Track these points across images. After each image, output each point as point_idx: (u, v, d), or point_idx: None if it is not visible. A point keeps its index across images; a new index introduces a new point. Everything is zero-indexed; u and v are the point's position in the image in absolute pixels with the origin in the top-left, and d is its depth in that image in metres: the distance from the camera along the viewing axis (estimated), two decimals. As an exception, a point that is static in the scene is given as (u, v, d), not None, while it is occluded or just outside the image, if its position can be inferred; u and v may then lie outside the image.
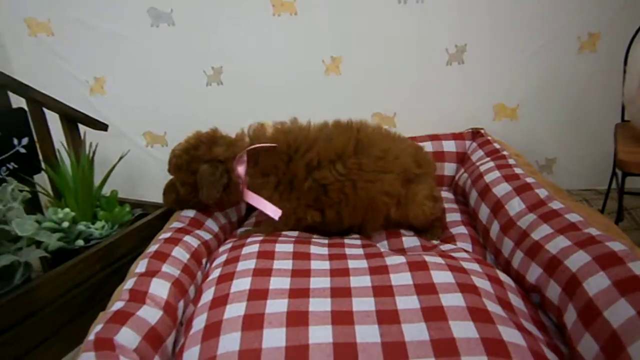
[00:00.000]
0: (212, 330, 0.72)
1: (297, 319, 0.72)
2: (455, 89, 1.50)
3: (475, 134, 1.43)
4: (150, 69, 1.57)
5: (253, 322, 0.71)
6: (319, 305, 0.75)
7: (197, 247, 1.00)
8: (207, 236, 1.07)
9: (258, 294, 0.78)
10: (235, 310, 0.75)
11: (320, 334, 0.68)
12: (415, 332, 0.68)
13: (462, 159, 1.41)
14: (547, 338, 0.73)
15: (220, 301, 0.78)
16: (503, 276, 0.86)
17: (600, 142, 1.44)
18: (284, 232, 1.05)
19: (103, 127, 1.33)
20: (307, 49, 1.50)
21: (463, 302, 0.73)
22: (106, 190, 1.29)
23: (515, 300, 0.79)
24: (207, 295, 0.82)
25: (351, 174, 1.02)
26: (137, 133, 1.66)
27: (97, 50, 1.55)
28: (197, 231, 1.06)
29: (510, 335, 0.67)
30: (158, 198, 1.39)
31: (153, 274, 0.86)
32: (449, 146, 1.41)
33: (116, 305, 0.78)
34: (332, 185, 1.02)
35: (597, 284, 0.68)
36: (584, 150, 1.51)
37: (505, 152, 1.23)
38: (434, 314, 0.71)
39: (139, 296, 0.81)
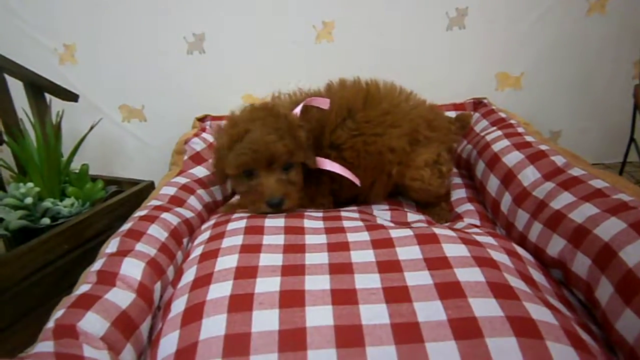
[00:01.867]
0: (194, 313, 0.62)
1: (292, 299, 0.62)
2: (456, 56, 1.40)
3: (478, 104, 1.34)
4: (125, 35, 1.44)
5: (241, 303, 0.62)
6: (317, 283, 0.65)
7: (177, 225, 0.90)
8: (188, 214, 0.96)
9: (246, 272, 0.68)
10: (220, 290, 0.65)
11: (319, 316, 0.59)
12: (429, 311, 0.58)
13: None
14: (576, 316, 0.64)
15: (203, 281, 0.68)
16: (520, 250, 0.77)
17: (610, 112, 1.36)
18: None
19: (73, 97, 1.21)
20: (296, 13, 1.39)
21: (482, 276, 0.63)
22: (78, 166, 1.17)
23: (537, 276, 0.70)
24: (189, 276, 0.72)
25: (360, 128, 0.99)
26: (112, 107, 1.54)
27: (67, 15, 1.41)
28: (178, 209, 0.96)
29: (539, 313, 0.57)
30: (136, 176, 1.29)
31: (125, 253, 0.76)
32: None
33: (81, 288, 0.68)
34: (345, 144, 0.99)
35: (637, 252, 0.59)
36: (592, 122, 1.43)
37: (512, 121, 1.14)
38: (449, 291, 0.61)
39: (108, 278, 0.70)
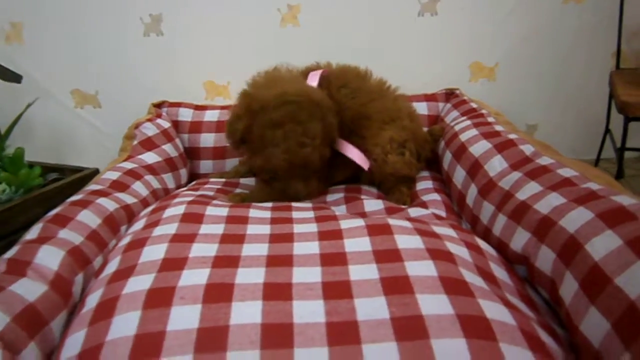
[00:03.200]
0: (105, 310, 0.55)
1: (218, 293, 0.54)
2: (428, 45, 1.34)
3: (450, 95, 1.28)
4: (78, 15, 1.35)
5: (160, 298, 0.54)
6: (249, 276, 0.58)
7: (114, 211, 0.82)
8: (130, 200, 0.88)
9: (173, 264, 0.60)
10: (138, 283, 0.57)
11: (246, 312, 0.52)
12: (371, 308, 0.51)
13: (434, 122, 1.25)
14: (539, 316, 0.57)
15: (123, 273, 0.60)
16: (483, 244, 0.70)
17: (587, 104, 1.31)
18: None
19: (15, 77, 1.12)
20: (259, -6, 1.32)
21: (434, 270, 0.57)
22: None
23: (499, 272, 0.64)
24: (111, 267, 0.64)
25: (355, 93, 1.01)
26: (63, 92, 1.44)
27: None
28: (118, 194, 0.88)
29: (494, 311, 0.51)
30: (90, 166, 1.20)
31: (44, 240, 0.68)
32: (421, 108, 1.25)
33: (-15, 278, 0.60)
34: (345, 105, 0.99)
35: (604, 244, 0.53)
36: (568, 115, 1.38)
37: (483, 111, 1.07)
38: (396, 286, 0.54)
39: (18, 267, 0.62)
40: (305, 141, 0.86)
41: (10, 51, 1.38)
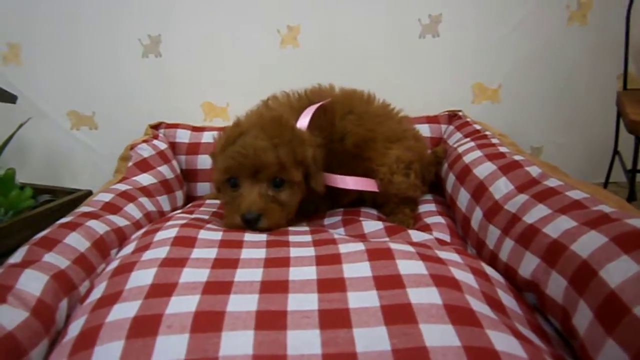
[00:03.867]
0: (86, 339, 0.51)
1: (208, 322, 0.51)
2: (429, 66, 1.32)
3: (452, 116, 1.26)
4: (76, 36, 1.34)
5: (145, 327, 0.50)
6: (242, 303, 0.54)
7: (104, 234, 0.79)
8: (122, 222, 0.85)
9: (161, 290, 0.57)
10: (124, 310, 0.54)
11: (237, 343, 0.48)
12: (371, 339, 0.48)
13: (437, 144, 1.23)
14: (551, 348, 0.53)
15: (108, 300, 0.57)
16: (490, 270, 0.67)
17: (593, 126, 1.28)
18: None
19: (10, 98, 1.10)
20: (260, 16, 1.31)
21: (439, 298, 0.53)
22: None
23: (507, 300, 0.60)
24: (96, 293, 0.61)
25: (362, 119, 0.97)
26: (60, 113, 1.42)
27: (13, 11, 1.31)
28: (110, 216, 0.85)
29: (504, 343, 0.47)
30: (83, 187, 1.17)
31: (28, 264, 0.64)
32: (423, 130, 1.22)
33: (-36, 304, 0.56)
34: (350, 132, 0.96)
35: (620, 271, 0.49)
36: (574, 137, 1.35)
37: (487, 132, 1.05)
38: (398, 315, 0.51)
39: (-2, 293, 0.59)
40: (264, 138, 0.80)
41: (6, 72, 1.37)
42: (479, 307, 0.53)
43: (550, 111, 1.35)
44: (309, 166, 0.84)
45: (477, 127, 1.11)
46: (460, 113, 1.24)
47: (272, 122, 0.83)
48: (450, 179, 0.97)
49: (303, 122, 0.89)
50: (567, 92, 1.33)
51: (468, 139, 1.05)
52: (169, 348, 0.48)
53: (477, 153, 0.93)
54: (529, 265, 0.64)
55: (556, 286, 0.58)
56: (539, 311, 0.63)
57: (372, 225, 0.87)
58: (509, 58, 1.32)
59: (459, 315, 0.51)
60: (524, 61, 1.31)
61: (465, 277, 0.60)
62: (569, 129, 1.36)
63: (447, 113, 1.27)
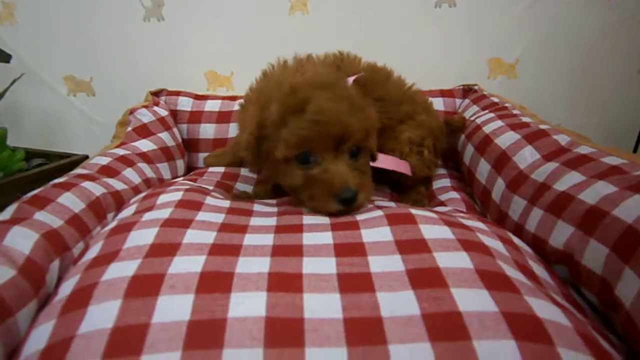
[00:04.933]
0: (79, 299, 0.46)
1: (215, 282, 0.46)
2: (444, 38, 1.26)
3: (468, 91, 1.20)
4: (73, -3, 1.27)
5: (145, 286, 0.45)
6: (252, 265, 0.49)
7: (101, 196, 0.73)
8: (120, 186, 0.80)
9: (163, 249, 0.52)
10: (121, 269, 0.48)
11: (248, 304, 0.43)
12: (397, 304, 0.43)
13: (451, 119, 1.17)
14: (591, 321, 0.49)
15: (104, 259, 0.52)
16: (517, 240, 0.62)
17: (614, 104, 1.23)
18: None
19: (4, 57, 1.04)
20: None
21: (470, 262, 0.48)
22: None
23: (539, 270, 0.55)
24: (91, 253, 0.55)
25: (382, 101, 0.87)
26: (56, 77, 1.36)
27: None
28: (107, 179, 0.80)
29: (546, 310, 0.42)
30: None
31: (17, 221, 0.59)
32: (436, 104, 1.17)
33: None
34: None
35: (675, 236, 0.45)
36: (594, 116, 1.29)
37: (507, 104, 1.00)
38: (426, 279, 0.46)
39: (-17, 249, 0.53)
40: (342, 104, 0.64)
41: (1, 32, 1.30)
42: (513, 273, 0.49)
43: (569, 89, 1.30)
44: (374, 130, 0.73)
45: (495, 99, 1.05)
46: (476, 87, 1.18)
47: (337, 83, 0.69)
48: (469, 151, 0.92)
49: None
50: (588, 70, 1.27)
51: (486, 110, 1.00)
52: (172, 308, 0.43)
53: (499, 123, 0.88)
54: (561, 234, 0.59)
55: (595, 255, 0.53)
56: (571, 285, 0.59)
57: (384, 203, 0.82)
58: (528, 32, 1.26)
59: (494, 281, 0.46)
60: (543, 36, 1.25)
61: (493, 243, 0.55)
62: (589, 109, 1.30)
63: (462, 87, 1.21)
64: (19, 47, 1.29)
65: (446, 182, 0.97)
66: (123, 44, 1.32)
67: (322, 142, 0.64)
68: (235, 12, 1.27)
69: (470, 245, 0.52)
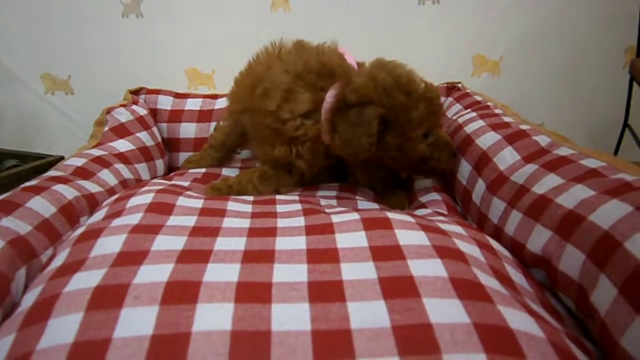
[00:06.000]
0: (40, 311, 0.44)
1: (181, 293, 0.44)
2: (428, 34, 1.25)
3: (451, 89, 1.19)
4: (50, -8, 1.24)
5: (108, 297, 0.44)
6: (221, 273, 0.48)
7: (73, 199, 0.72)
8: (94, 188, 0.78)
9: (130, 258, 0.50)
10: (85, 279, 0.47)
11: (214, 317, 0.42)
12: (368, 314, 0.42)
13: (434, 117, 1.16)
14: (566, 329, 0.48)
15: (69, 268, 0.50)
16: (495, 244, 0.61)
17: (598, 101, 1.23)
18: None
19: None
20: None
21: (444, 270, 0.47)
22: None
23: (516, 275, 0.55)
24: (57, 261, 0.54)
25: None
26: (33, 75, 1.33)
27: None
28: (81, 181, 0.78)
29: (518, 321, 0.42)
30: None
31: (-19, 229, 0.57)
32: (420, 102, 1.16)
33: None
34: None
35: (650, 242, 0.44)
36: (579, 113, 1.29)
37: (489, 103, 0.99)
38: (398, 288, 0.45)
39: (-58, 259, 0.52)
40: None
41: (-27, 28, 1.26)
42: (488, 281, 0.48)
43: (554, 85, 1.30)
44: None
45: (478, 98, 1.05)
46: (459, 85, 1.17)
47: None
48: (450, 151, 0.91)
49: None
50: (573, 65, 1.27)
51: (469, 109, 0.99)
52: (135, 322, 0.41)
53: (480, 123, 0.87)
54: (539, 238, 0.58)
55: (571, 261, 0.52)
56: (548, 290, 0.58)
57: (366, 205, 0.81)
58: (512, 28, 1.25)
59: (467, 290, 0.45)
60: (528, 32, 1.25)
61: (470, 249, 0.54)
62: (574, 105, 1.30)
63: (445, 85, 1.20)
64: (-7, 45, 1.26)
65: (427, 183, 0.96)
66: (102, 41, 1.29)
67: (438, 120, 0.82)
68: (217, 9, 1.26)
69: (446, 252, 0.51)
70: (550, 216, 0.58)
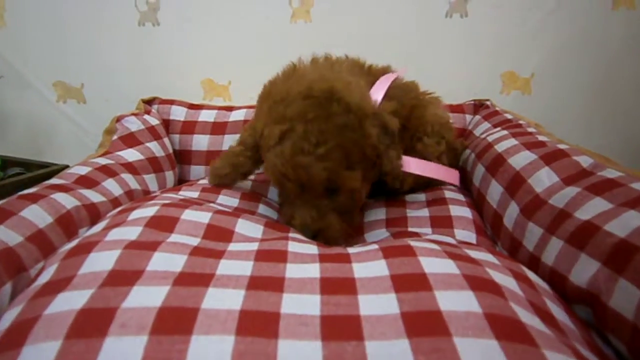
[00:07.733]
0: (14, 336, 0.39)
1: (176, 321, 0.39)
2: (455, 50, 1.20)
3: (479, 106, 1.13)
4: (66, -1, 1.22)
5: (92, 324, 0.39)
6: (223, 299, 0.42)
7: (72, 209, 0.67)
8: (97, 198, 0.74)
9: (122, 278, 0.45)
10: (69, 301, 0.42)
11: (210, 352, 0.36)
12: (389, 357, 0.36)
13: (460, 135, 1.10)
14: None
15: (54, 286, 0.45)
16: (533, 275, 0.54)
17: (635, 125, 1.15)
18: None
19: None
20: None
21: (477, 305, 0.40)
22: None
23: (558, 312, 0.48)
24: (43, 277, 0.48)
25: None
26: (45, 82, 1.30)
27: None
28: (83, 190, 0.73)
29: (568, 370, 0.35)
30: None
31: (-33, 240, 0.53)
32: (446, 120, 1.10)
33: None
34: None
35: None
36: (614, 135, 1.22)
37: (522, 122, 0.92)
38: (424, 325, 0.38)
39: None
40: (309, 146, 0.63)
41: (-12, 32, 1.26)
42: (529, 319, 0.41)
43: (587, 106, 1.23)
44: (376, 147, 0.69)
45: (509, 116, 0.98)
46: (488, 102, 1.11)
47: (325, 108, 0.65)
48: (479, 171, 0.84)
49: (377, 94, 0.75)
50: (608, 85, 1.21)
51: (498, 128, 0.93)
52: (119, 354, 0.36)
53: (512, 141, 0.81)
54: (585, 270, 0.52)
55: (625, 297, 0.45)
56: (594, 329, 0.51)
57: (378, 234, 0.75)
58: (544, 44, 1.20)
59: (505, 329, 0.38)
60: (561, 48, 1.19)
61: (506, 281, 0.47)
62: (608, 127, 1.23)
63: (472, 102, 1.14)
64: (7, 50, 1.25)
65: (459, 196, 0.87)
66: (117, 48, 1.27)
67: (285, 188, 0.68)
68: (235, 18, 1.23)
69: (478, 283, 0.44)
70: (599, 245, 0.51)
